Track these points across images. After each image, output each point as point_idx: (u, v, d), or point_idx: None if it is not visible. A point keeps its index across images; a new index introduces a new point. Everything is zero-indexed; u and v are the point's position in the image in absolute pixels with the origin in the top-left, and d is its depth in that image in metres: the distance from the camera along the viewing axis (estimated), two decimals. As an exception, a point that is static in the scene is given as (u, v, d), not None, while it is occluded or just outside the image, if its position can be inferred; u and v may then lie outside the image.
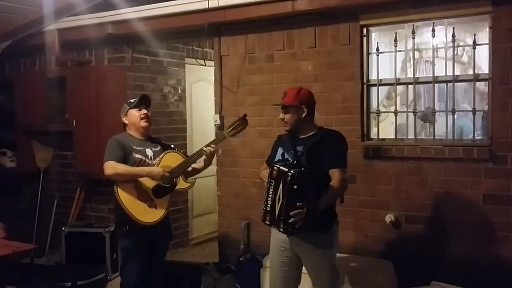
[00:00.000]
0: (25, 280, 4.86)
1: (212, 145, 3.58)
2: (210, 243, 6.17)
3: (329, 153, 3.12)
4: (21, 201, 6.38)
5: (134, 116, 3.65)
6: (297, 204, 2.88)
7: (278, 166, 3.04)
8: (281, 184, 2.97)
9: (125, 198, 3.50)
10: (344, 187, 3.15)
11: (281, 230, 2.99)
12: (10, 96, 6.07)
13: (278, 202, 2.99)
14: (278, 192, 2.99)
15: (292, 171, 2.90)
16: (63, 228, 5.40)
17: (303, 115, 3.21)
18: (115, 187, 3.51)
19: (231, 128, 3.60)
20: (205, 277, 4.66)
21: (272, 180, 3.06)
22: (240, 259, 4.63)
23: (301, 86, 3.34)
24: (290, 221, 2.90)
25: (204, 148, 3.58)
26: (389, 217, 4.15)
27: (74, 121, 5.47)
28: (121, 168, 3.48)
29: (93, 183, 5.62)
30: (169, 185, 3.57)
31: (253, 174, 4.51)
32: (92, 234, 5.26)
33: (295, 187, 2.88)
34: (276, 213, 3.01)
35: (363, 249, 4.28)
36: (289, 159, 3.17)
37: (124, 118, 3.70)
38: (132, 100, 3.74)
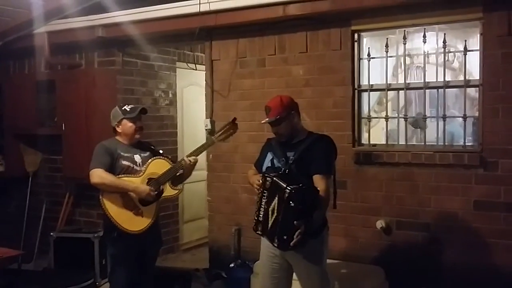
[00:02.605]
0: (12, 286, 4.79)
1: (192, 157, 3.52)
2: (201, 248, 6.14)
3: (316, 159, 3.08)
4: (9, 206, 6.29)
5: (128, 128, 3.58)
6: (295, 222, 2.79)
7: (272, 177, 2.98)
8: (276, 198, 2.91)
9: (111, 207, 3.46)
10: (329, 197, 3.11)
11: (275, 245, 2.93)
12: (-2, 99, 6.03)
13: (272, 215, 2.94)
14: (272, 205, 2.94)
15: (289, 188, 2.81)
16: (52, 233, 5.34)
17: (295, 120, 3.19)
18: (100, 196, 3.48)
19: (220, 132, 3.56)
20: (195, 283, 4.63)
21: (265, 191, 3.01)
22: (231, 265, 4.60)
23: (278, 95, 3.27)
24: (285, 237, 2.83)
25: (184, 158, 3.54)
26: (380, 223, 4.14)
27: (63, 124, 5.43)
28: (108, 178, 3.42)
29: (82, 188, 5.56)
30: (155, 192, 3.52)
31: (244, 179, 4.46)
32: (81, 239, 5.21)
33: (292, 204, 2.80)
34: (269, 225, 2.97)
35: (354, 255, 4.26)
36: (281, 167, 3.13)
37: (117, 125, 3.62)
38: (127, 108, 3.61)
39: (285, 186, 2.84)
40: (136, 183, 3.48)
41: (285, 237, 2.84)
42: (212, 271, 4.81)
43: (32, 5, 4.86)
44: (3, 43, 5.66)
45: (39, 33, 5.43)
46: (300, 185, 2.85)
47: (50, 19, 5.23)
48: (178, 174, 3.64)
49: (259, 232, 3.08)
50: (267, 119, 3.17)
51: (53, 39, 5.44)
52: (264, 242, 3.24)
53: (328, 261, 3.33)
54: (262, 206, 3.02)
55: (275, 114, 3.13)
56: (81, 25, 5.19)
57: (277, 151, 3.22)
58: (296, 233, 2.80)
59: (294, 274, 3.27)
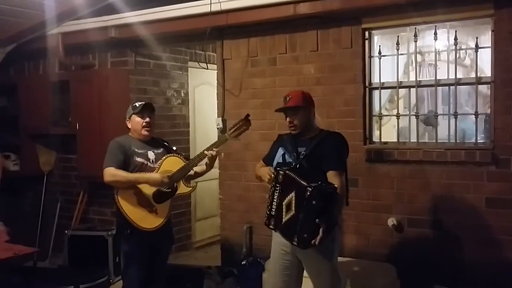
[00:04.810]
0: (27, 283, 4.87)
1: (214, 149, 3.55)
2: (213, 246, 6.18)
3: (329, 155, 3.11)
4: (24, 204, 6.40)
5: (136, 123, 3.62)
6: (316, 220, 2.81)
7: (285, 170, 3.00)
8: (293, 194, 2.92)
9: (126, 204, 3.50)
10: (344, 193, 3.13)
11: (295, 243, 2.93)
12: (14, 100, 6.12)
13: (287, 211, 2.95)
14: (287, 200, 2.95)
15: (311, 186, 2.81)
16: (66, 231, 5.42)
17: (311, 115, 3.24)
18: (115, 194, 3.52)
19: (233, 129, 3.56)
20: (208, 281, 4.66)
21: (277, 185, 3.03)
22: (243, 262, 4.63)
23: (300, 89, 3.36)
24: (305, 235, 2.84)
25: (205, 152, 3.55)
26: (391, 221, 4.14)
27: (77, 124, 5.50)
28: (120, 175, 3.47)
29: (96, 186, 5.63)
30: (169, 190, 3.55)
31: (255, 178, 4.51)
32: (95, 237, 5.27)
33: (314, 202, 2.80)
34: (283, 220, 2.98)
35: (366, 253, 4.27)
36: (292, 162, 3.15)
37: (128, 121, 3.68)
38: (137, 104, 3.67)
39: (306, 184, 2.84)
40: (148, 174, 3.52)
41: (305, 235, 2.85)
42: (224, 268, 4.84)
43: (46, 6, 4.91)
44: (17, 45, 5.74)
45: (53, 34, 5.50)
46: (319, 182, 2.86)
47: (63, 20, 5.30)
48: (193, 172, 3.68)
49: (272, 227, 3.09)
50: (286, 106, 3.22)
51: (66, 40, 5.51)
52: (276, 239, 3.26)
53: (340, 258, 3.34)
54: (275, 200, 3.04)
55: (294, 103, 3.19)
56: (94, 26, 5.25)
57: (288, 146, 3.24)
58: (320, 230, 2.81)
59: (304, 271, 3.29)
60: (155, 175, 3.52)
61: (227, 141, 3.70)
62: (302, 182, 2.87)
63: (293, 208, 2.92)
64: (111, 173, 3.47)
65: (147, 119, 3.61)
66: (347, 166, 3.23)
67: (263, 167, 3.37)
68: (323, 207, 2.83)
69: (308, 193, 2.81)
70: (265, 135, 4.62)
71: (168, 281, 3.90)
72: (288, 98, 3.24)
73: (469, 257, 3.89)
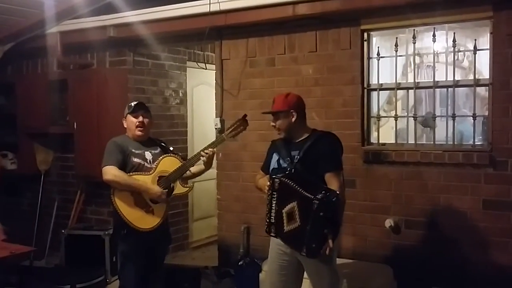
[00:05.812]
0: (24, 283, 4.85)
1: (210, 149, 3.55)
2: (210, 246, 6.17)
3: (324, 157, 3.09)
4: (21, 204, 6.39)
5: (131, 122, 3.61)
6: (325, 231, 2.81)
7: (280, 177, 3.00)
8: (295, 204, 2.91)
9: (122, 204, 3.49)
10: (344, 193, 3.13)
11: (304, 254, 2.91)
12: (12, 98, 6.12)
13: (290, 220, 2.94)
14: (288, 208, 2.94)
15: (318, 198, 2.79)
16: (63, 231, 5.41)
17: (293, 119, 3.19)
18: (112, 194, 3.50)
19: (231, 129, 3.55)
20: (205, 281, 4.66)
21: (274, 192, 3.02)
22: (240, 263, 4.63)
23: (289, 92, 3.34)
24: (314, 245, 2.84)
25: (201, 153, 3.54)
26: (388, 222, 4.14)
27: (75, 123, 5.50)
28: (121, 177, 3.45)
29: (94, 186, 5.62)
30: (166, 190, 3.55)
31: (253, 178, 4.48)
32: (92, 236, 5.26)
33: (321, 214, 2.80)
34: (285, 229, 2.97)
35: (363, 254, 4.27)
36: (286, 167, 3.13)
37: (124, 121, 3.68)
38: (132, 104, 3.68)
39: (311, 197, 2.82)
40: (148, 183, 3.50)
41: (314, 246, 2.85)
42: (221, 268, 4.84)
43: (45, 5, 4.91)
44: (16, 43, 5.73)
45: (52, 33, 5.49)
46: (323, 192, 2.84)
47: (62, 19, 5.29)
48: (190, 173, 3.67)
49: (273, 234, 3.08)
50: (270, 110, 3.27)
51: (65, 39, 5.50)
52: (274, 239, 3.24)
53: (337, 260, 3.33)
54: (273, 207, 3.03)
55: (275, 107, 3.22)
56: (93, 25, 5.24)
57: (282, 151, 3.23)
58: (329, 241, 2.82)
59: (304, 272, 3.28)
60: (156, 188, 3.49)
61: (224, 141, 3.70)
62: (306, 194, 2.85)
63: (298, 219, 2.91)
64: (113, 172, 3.45)
65: (140, 118, 3.60)
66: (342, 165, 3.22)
67: (261, 178, 3.35)
68: (331, 217, 2.83)
69: (316, 206, 2.79)
70: (263, 136, 4.61)
71: (165, 281, 3.90)
72: (272, 103, 3.27)
73: (466, 258, 3.89)
